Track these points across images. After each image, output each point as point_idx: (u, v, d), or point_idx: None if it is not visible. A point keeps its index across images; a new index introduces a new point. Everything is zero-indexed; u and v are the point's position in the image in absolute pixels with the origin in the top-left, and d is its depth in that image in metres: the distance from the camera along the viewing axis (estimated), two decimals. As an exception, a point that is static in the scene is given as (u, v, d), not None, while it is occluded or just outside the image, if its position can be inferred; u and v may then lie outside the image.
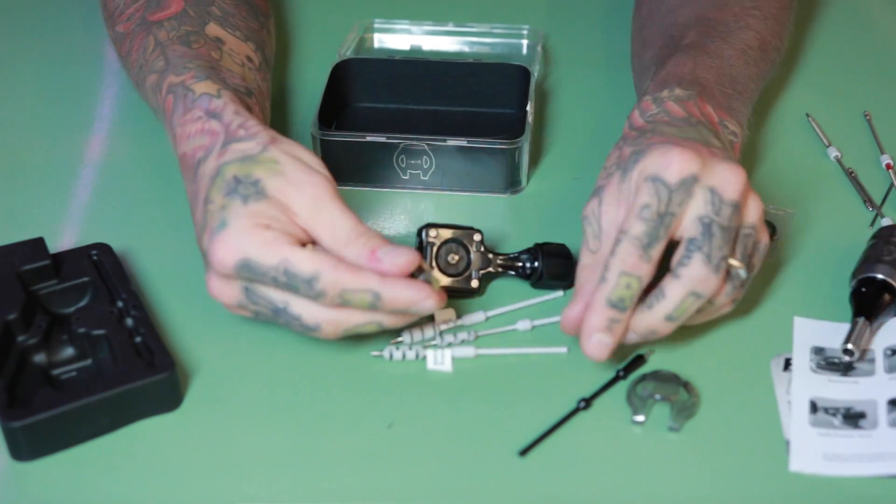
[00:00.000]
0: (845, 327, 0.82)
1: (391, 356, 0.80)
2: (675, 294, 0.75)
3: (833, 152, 0.98)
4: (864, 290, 0.82)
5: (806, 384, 0.78)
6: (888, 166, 0.96)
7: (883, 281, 0.82)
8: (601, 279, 0.75)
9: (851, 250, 0.87)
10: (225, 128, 0.78)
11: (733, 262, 0.76)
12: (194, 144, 0.79)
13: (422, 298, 0.74)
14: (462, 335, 0.81)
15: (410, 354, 0.81)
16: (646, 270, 0.75)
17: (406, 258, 0.74)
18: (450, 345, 0.81)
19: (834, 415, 0.77)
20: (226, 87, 0.82)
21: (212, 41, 0.89)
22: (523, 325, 0.83)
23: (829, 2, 1.18)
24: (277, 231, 0.73)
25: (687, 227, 0.75)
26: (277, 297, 0.74)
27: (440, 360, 0.80)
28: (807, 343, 0.81)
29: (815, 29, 1.14)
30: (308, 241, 0.75)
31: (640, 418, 0.76)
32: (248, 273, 0.73)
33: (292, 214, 0.74)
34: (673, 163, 0.75)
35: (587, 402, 0.78)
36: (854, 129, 1.01)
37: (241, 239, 0.73)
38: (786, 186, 0.94)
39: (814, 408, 0.77)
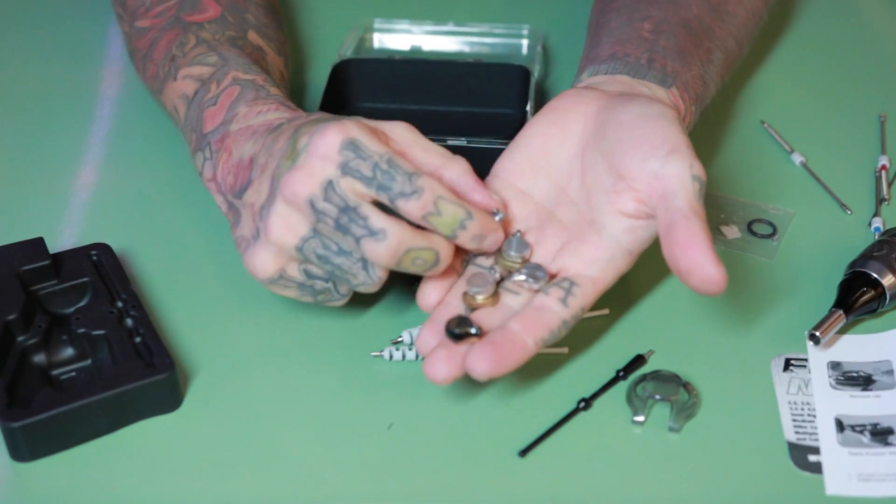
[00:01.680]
0: (859, 339, 0.82)
1: (391, 356, 0.80)
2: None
3: (798, 158, 0.97)
4: (851, 283, 0.82)
5: (829, 402, 0.78)
6: (883, 167, 0.96)
7: (867, 276, 0.82)
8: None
9: (848, 251, 0.87)
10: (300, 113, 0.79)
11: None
12: (271, 116, 0.79)
13: (498, 230, 0.75)
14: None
15: (410, 355, 0.81)
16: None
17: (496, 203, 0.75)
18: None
19: (861, 432, 0.76)
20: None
21: (256, 50, 0.90)
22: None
23: (807, 5, 1.18)
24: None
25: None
26: (352, 196, 0.72)
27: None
28: (823, 358, 0.81)
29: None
30: None
31: (640, 418, 0.76)
32: (352, 152, 0.71)
33: (390, 140, 0.74)
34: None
35: (587, 403, 0.78)
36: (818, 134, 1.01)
37: (350, 126, 0.72)
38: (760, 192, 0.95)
39: (840, 426, 0.77)
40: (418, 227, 0.73)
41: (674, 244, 0.71)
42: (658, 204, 0.73)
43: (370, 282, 0.74)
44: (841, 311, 0.81)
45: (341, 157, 0.71)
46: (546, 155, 0.79)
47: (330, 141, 0.72)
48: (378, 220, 0.71)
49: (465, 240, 0.74)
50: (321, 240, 0.73)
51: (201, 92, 0.85)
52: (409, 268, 0.73)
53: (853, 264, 0.83)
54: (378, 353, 0.81)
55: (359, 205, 0.72)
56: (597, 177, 0.76)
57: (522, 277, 0.75)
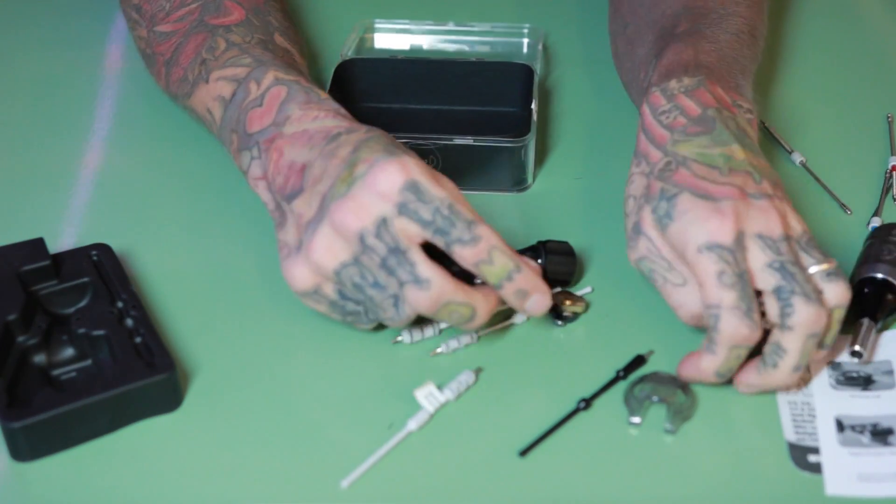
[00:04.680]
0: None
1: (411, 338, 0.81)
2: (796, 345, 0.74)
3: (798, 157, 0.97)
4: (865, 290, 0.82)
5: (829, 402, 0.78)
6: (894, 168, 0.96)
7: (884, 280, 0.82)
8: (707, 349, 0.75)
9: (848, 251, 0.87)
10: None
11: (815, 268, 0.75)
12: (329, 124, 0.80)
13: (544, 289, 0.76)
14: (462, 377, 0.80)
15: (429, 332, 0.82)
16: (757, 336, 0.74)
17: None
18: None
19: (861, 432, 0.76)
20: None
21: (285, 53, 0.91)
22: (519, 317, 0.83)
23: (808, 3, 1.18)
24: None
25: (763, 279, 0.74)
26: (403, 238, 0.73)
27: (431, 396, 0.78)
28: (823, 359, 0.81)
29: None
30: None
31: (637, 420, 0.76)
32: (413, 195, 0.73)
33: (446, 186, 0.75)
34: (722, 227, 0.74)
35: (587, 403, 0.77)
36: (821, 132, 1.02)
37: (412, 164, 0.74)
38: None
39: (840, 426, 0.76)
40: (461, 278, 0.75)
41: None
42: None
43: (397, 319, 0.75)
44: (870, 321, 0.80)
45: (401, 197, 0.73)
46: None
47: (392, 179, 0.73)
48: (425, 268, 0.73)
49: (510, 292, 0.75)
50: (360, 269, 0.74)
51: (240, 93, 0.85)
52: (445, 319, 0.75)
53: (861, 270, 0.83)
54: (397, 340, 0.81)
55: (409, 249, 0.73)
56: None
57: None
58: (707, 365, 0.75)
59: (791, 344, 0.74)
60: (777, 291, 0.74)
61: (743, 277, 0.73)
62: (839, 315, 0.76)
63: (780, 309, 0.73)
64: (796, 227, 0.77)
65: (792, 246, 0.75)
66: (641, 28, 0.95)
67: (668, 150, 0.80)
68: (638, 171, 0.82)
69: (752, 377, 0.76)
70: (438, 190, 0.73)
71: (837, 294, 0.75)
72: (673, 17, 0.92)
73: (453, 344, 0.81)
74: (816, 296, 0.74)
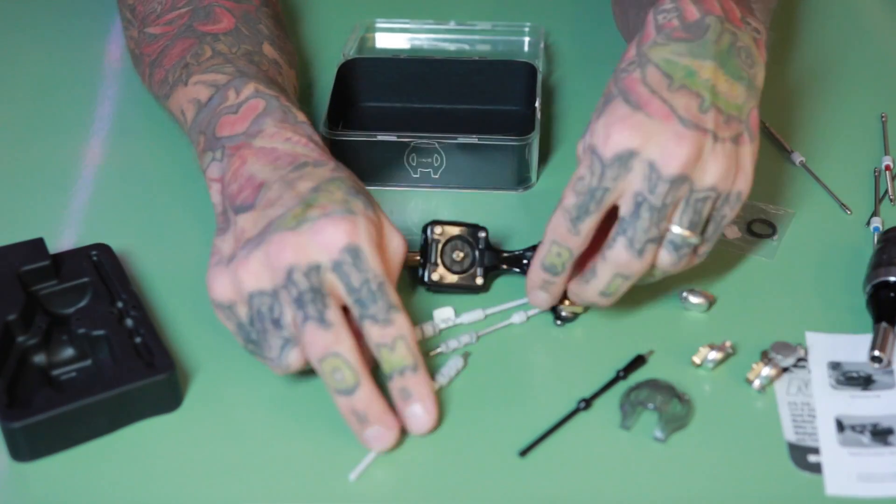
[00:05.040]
0: (858, 339, 0.81)
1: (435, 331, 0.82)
2: (604, 274, 0.77)
3: (797, 157, 0.97)
4: (881, 294, 0.81)
5: (829, 402, 0.78)
6: (887, 167, 0.96)
7: None
8: (540, 244, 0.78)
9: (848, 251, 0.87)
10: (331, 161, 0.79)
11: (677, 229, 0.76)
12: (298, 150, 0.79)
13: (424, 401, 0.75)
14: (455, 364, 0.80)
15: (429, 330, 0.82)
16: (574, 243, 0.76)
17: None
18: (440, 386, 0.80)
19: (861, 432, 0.76)
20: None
21: (272, 64, 0.90)
22: (518, 317, 0.83)
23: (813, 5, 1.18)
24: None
25: (624, 201, 0.75)
26: (327, 289, 0.73)
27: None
28: (823, 359, 0.81)
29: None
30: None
31: (628, 425, 0.76)
32: (350, 258, 0.73)
33: (385, 254, 0.76)
34: (611, 136, 0.74)
35: (587, 403, 0.77)
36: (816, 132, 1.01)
37: (363, 229, 0.74)
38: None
39: (840, 426, 0.76)
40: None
41: None
42: None
43: (277, 362, 0.74)
44: (887, 325, 0.80)
45: (340, 256, 0.73)
46: None
47: (338, 237, 0.73)
48: (334, 314, 0.73)
49: (396, 387, 0.74)
50: (272, 302, 0.74)
51: (217, 98, 0.84)
52: (325, 376, 0.73)
53: (875, 275, 0.82)
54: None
55: (327, 296, 0.73)
56: None
57: None
58: (536, 256, 0.79)
59: (601, 271, 0.77)
60: (619, 221, 0.75)
61: (594, 193, 0.75)
62: (659, 275, 0.78)
63: (609, 238, 0.76)
64: (708, 178, 0.75)
65: (672, 196, 0.74)
66: None
67: (641, 50, 0.79)
68: (616, 69, 0.80)
69: (572, 284, 0.79)
70: (376, 264, 0.73)
71: (666, 262, 0.77)
72: None
73: (453, 344, 0.81)
74: (642, 248, 0.75)
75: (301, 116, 0.83)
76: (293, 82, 0.93)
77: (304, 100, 1.04)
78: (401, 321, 0.73)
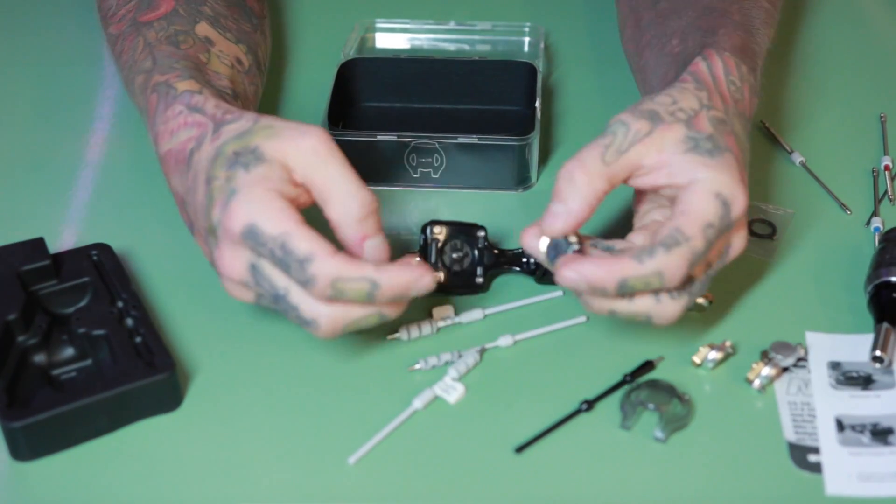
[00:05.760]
0: (858, 339, 0.81)
1: (408, 335, 0.82)
2: (656, 263, 0.72)
3: (797, 158, 0.97)
4: (883, 294, 0.81)
5: (829, 402, 0.78)
6: (886, 168, 0.96)
7: None
8: (637, 259, 0.72)
9: (848, 251, 0.87)
10: (210, 118, 0.77)
11: (700, 300, 0.78)
12: (182, 138, 0.78)
13: (418, 277, 0.72)
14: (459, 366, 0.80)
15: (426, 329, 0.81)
16: (676, 283, 0.73)
17: (385, 251, 0.74)
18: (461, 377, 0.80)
19: (861, 432, 0.76)
20: (209, 86, 0.82)
21: (201, 42, 0.88)
22: (505, 340, 0.82)
23: (819, 4, 1.18)
24: (286, 201, 0.72)
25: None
26: (279, 280, 0.72)
27: (448, 390, 0.79)
28: (823, 359, 0.81)
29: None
30: (310, 202, 0.74)
31: (628, 425, 0.76)
32: (252, 242, 0.71)
33: (290, 171, 0.73)
34: (741, 199, 0.74)
35: (590, 405, 0.77)
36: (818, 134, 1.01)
37: (252, 205, 0.71)
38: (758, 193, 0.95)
39: (840, 426, 0.76)
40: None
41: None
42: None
43: (314, 328, 0.73)
44: (889, 325, 0.80)
45: (247, 244, 0.72)
46: None
47: (234, 226, 0.71)
48: (308, 309, 0.71)
49: (384, 304, 0.72)
50: (256, 290, 0.74)
51: (140, 104, 0.85)
52: (362, 329, 0.73)
53: (876, 275, 0.82)
54: (393, 335, 0.82)
55: (287, 291, 0.72)
56: None
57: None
58: (628, 266, 0.72)
59: (655, 259, 0.72)
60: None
61: (712, 244, 0.73)
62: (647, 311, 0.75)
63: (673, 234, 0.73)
64: (734, 251, 0.77)
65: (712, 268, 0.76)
66: (679, 5, 0.92)
67: (728, 110, 0.79)
68: (692, 89, 0.79)
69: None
70: (272, 225, 0.71)
71: (671, 306, 0.75)
72: (720, 0, 0.90)
73: (461, 368, 0.81)
74: (694, 262, 0.73)
75: (183, 85, 0.81)
76: (236, 55, 0.90)
77: (304, 100, 1.04)
78: (321, 268, 0.70)
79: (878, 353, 0.78)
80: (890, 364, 0.80)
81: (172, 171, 0.79)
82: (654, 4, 0.96)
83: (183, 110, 0.79)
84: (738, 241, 0.77)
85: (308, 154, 0.73)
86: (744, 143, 0.79)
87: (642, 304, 0.74)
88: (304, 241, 0.70)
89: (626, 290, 0.72)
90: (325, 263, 0.70)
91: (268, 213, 0.71)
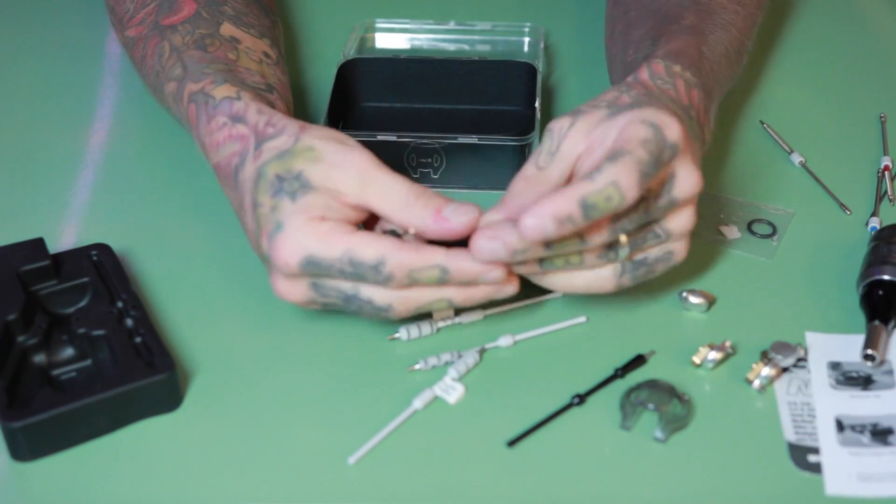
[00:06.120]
0: (858, 339, 0.81)
1: (408, 335, 0.82)
2: (607, 175, 0.71)
3: (797, 158, 0.97)
4: (875, 293, 0.82)
5: (829, 402, 0.78)
6: (886, 168, 0.96)
7: (892, 282, 0.81)
8: (588, 178, 0.71)
9: (848, 251, 0.87)
10: (253, 129, 0.78)
11: (621, 237, 0.75)
12: (227, 152, 0.79)
13: (489, 269, 0.74)
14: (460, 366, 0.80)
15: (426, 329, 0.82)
16: (631, 197, 0.72)
17: (471, 214, 0.74)
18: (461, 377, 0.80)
19: (861, 432, 0.76)
20: (244, 87, 0.83)
21: (227, 41, 0.89)
22: (505, 340, 0.82)
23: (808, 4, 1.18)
24: (333, 221, 0.74)
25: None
26: (346, 285, 0.74)
27: (448, 390, 0.79)
28: (822, 359, 0.81)
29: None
30: (366, 220, 0.76)
31: (628, 425, 0.76)
32: (314, 269, 0.73)
33: (342, 196, 0.74)
34: (674, 125, 0.74)
35: (581, 398, 0.78)
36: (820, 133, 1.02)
37: (301, 237, 0.73)
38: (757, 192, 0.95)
39: (840, 426, 0.76)
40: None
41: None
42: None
43: (385, 315, 0.76)
44: (880, 323, 0.80)
45: (308, 274, 0.74)
46: None
47: (290, 263, 0.73)
48: (381, 298, 0.74)
49: (457, 288, 0.75)
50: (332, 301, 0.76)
51: (175, 112, 0.86)
52: (416, 286, 0.75)
53: (868, 273, 0.82)
54: (394, 336, 0.82)
55: (356, 290, 0.74)
56: None
57: None
58: (581, 188, 0.71)
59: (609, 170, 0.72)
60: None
61: (658, 164, 0.73)
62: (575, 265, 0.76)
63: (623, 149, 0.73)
64: (675, 225, 0.77)
65: (655, 214, 0.76)
66: (643, 14, 0.95)
67: (652, 93, 0.80)
68: (614, 88, 0.81)
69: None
70: (332, 251, 0.73)
71: (595, 255, 0.76)
72: (678, 7, 0.92)
73: (461, 368, 0.81)
74: (641, 183, 0.72)
75: (220, 93, 0.82)
76: (263, 49, 0.91)
77: (304, 100, 1.04)
78: (396, 267, 0.73)
79: (869, 351, 0.79)
80: (882, 362, 0.80)
81: (223, 183, 0.81)
82: (625, 14, 0.98)
83: (226, 122, 0.80)
84: (687, 174, 0.76)
85: (356, 179, 0.74)
86: (681, 116, 0.79)
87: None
88: (369, 248, 0.73)
89: (590, 214, 0.71)
90: (397, 259, 0.73)
91: (320, 239, 0.73)
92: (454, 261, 0.73)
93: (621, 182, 0.71)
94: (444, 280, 0.74)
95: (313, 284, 0.75)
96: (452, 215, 0.74)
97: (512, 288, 0.76)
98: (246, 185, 0.77)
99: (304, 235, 0.73)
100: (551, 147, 0.77)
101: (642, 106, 0.75)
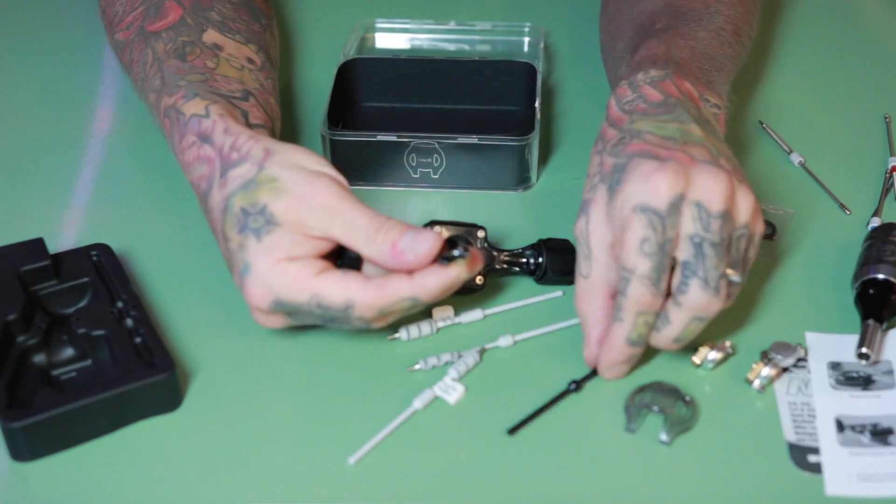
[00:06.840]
0: (857, 339, 0.81)
1: (408, 335, 0.82)
2: (679, 320, 0.74)
3: (796, 158, 0.97)
4: (869, 292, 0.82)
5: (829, 402, 0.78)
6: (894, 169, 0.96)
7: (886, 281, 0.81)
8: (616, 318, 0.75)
9: (847, 251, 0.87)
10: (218, 153, 0.78)
11: (729, 272, 0.75)
12: (196, 174, 0.79)
13: (453, 278, 0.75)
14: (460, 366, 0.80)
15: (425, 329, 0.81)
16: (660, 303, 0.74)
17: (427, 246, 0.74)
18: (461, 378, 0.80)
19: (861, 432, 0.76)
20: (217, 99, 0.82)
21: (208, 49, 0.88)
22: (505, 340, 0.82)
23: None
24: (301, 261, 0.74)
25: (681, 248, 0.74)
26: (321, 318, 0.75)
27: (448, 390, 0.79)
28: (822, 359, 0.81)
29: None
30: (335, 246, 0.76)
31: (633, 427, 0.76)
32: (285, 308, 0.75)
33: (307, 230, 0.74)
34: (659, 187, 0.73)
35: (578, 385, 0.78)
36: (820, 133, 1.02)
37: (268, 280, 0.74)
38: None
39: (840, 426, 0.76)
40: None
41: None
42: None
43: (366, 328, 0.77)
44: (875, 322, 0.80)
45: (280, 313, 0.76)
46: None
47: (261, 304, 0.75)
48: (359, 320, 0.75)
49: (430, 303, 0.76)
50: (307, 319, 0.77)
51: (156, 122, 0.86)
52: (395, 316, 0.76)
53: (863, 272, 0.83)
54: (395, 336, 0.82)
55: (334, 315, 0.75)
56: None
57: None
58: (617, 333, 0.75)
59: (676, 317, 0.75)
60: (683, 266, 0.74)
61: (664, 248, 0.73)
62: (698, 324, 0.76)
63: (679, 283, 0.74)
64: (742, 214, 0.75)
65: (725, 231, 0.74)
66: (623, 24, 0.95)
67: (624, 128, 0.79)
68: (594, 152, 0.81)
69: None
70: (299, 295, 0.74)
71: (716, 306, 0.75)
72: (653, 15, 0.92)
73: (462, 368, 0.81)
74: (717, 286, 0.73)
75: (189, 109, 0.81)
76: (247, 55, 0.90)
77: (304, 100, 1.04)
78: (365, 308, 0.74)
79: (863, 350, 0.79)
80: (877, 361, 0.80)
81: (199, 200, 0.81)
82: (609, 25, 0.98)
83: (195, 141, 0.80)
84: (741, 198, 0.75)
85: (319, 214, 0.74)
86: (656, 135, 0.77)
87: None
88: (336, 293, 0.74)
89: (639, 342, 0.76)
90: (365, 301, 0.74)
91: (287, 284, 0.74)
92: (420, 287, 0.74)
93: (643, 304, 0.74)
94: (415, 305, 0.75)
95: (290, 315, 0.76)
96: (409, 247, 0.74)
97: (465, 274, 0.76)
98: (215, 213, 0.77)
99: (272, 280, 0.74)
100: (585, 252, 0.77)
101: (625, 173, 0.75)
